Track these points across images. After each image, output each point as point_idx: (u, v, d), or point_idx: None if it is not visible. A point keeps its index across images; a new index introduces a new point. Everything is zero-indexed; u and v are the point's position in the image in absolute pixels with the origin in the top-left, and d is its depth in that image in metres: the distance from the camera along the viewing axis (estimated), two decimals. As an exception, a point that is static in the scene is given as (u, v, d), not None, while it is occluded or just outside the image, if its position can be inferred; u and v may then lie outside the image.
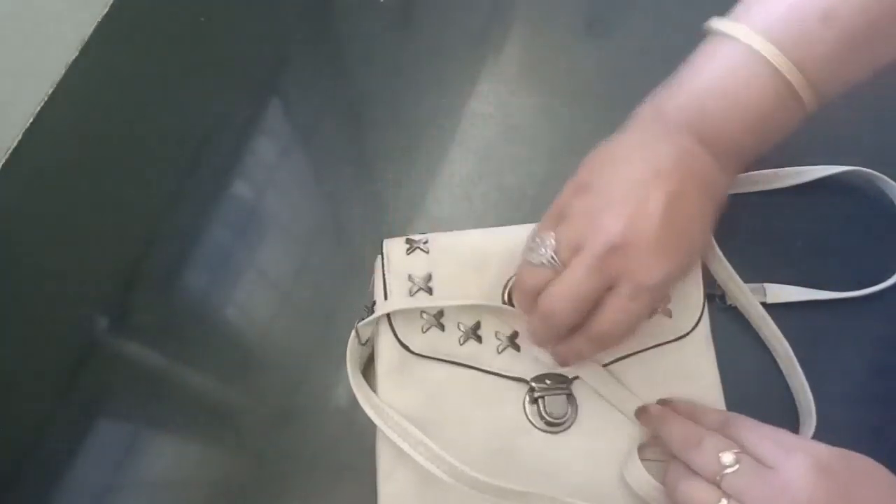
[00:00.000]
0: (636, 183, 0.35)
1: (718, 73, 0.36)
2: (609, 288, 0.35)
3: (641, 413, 0.40)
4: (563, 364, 0.39)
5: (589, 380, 0.40)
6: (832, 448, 0.33)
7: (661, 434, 0.38)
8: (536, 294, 0.37)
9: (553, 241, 0.36)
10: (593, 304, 0.36)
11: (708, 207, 0.37)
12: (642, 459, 0.38)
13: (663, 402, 0.40)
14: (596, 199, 0.36)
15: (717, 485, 0.33)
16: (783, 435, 0.34)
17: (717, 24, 0.37)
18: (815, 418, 0.40)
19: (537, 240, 0.37)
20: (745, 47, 0.35)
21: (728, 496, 0.33)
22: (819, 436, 0.40)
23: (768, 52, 0.34)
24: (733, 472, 0.33)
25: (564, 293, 0.36)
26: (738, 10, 0.37)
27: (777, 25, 0.35)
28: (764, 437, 0.34)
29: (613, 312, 0.35)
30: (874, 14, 0.35)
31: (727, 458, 0.33)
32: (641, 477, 0.37)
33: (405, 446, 0.38)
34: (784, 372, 0.43)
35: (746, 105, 0.36)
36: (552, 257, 0.36)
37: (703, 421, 0.38)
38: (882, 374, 0.43)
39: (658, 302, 0.38)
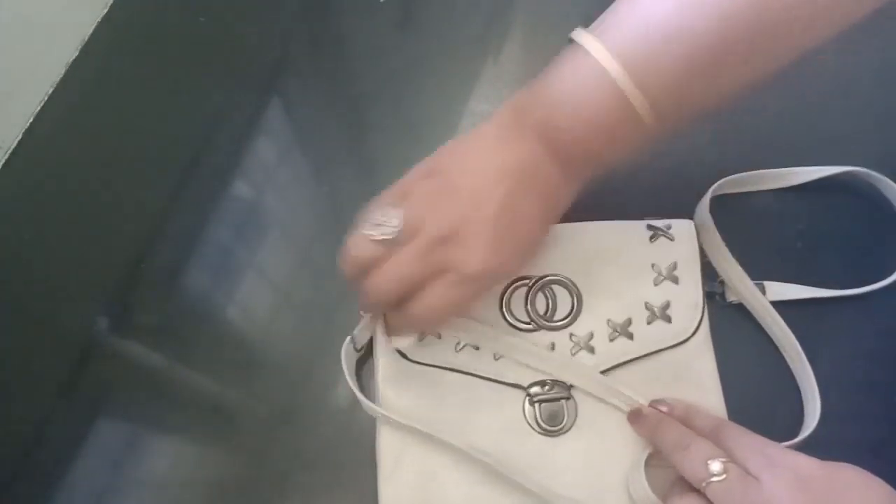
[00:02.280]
0: (480, 178, 0.36)
1: (569, 85, 0.36)
2: (435, 273, 0.36)
3: (634, 416, 0.40)
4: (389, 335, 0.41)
5: (586, 388, 0.40)
6: (819, 462, 0.33)
7: (653, 438, 0.38)
8: (366, 266, 0.37)
9: (398, 221, 0.36)
10: (418, 287, 0.36)
11: (544, 212, 0.38)
12: (651, 466, 0.38)
13: (656, 403, 0.40)
14: (440, 186, 0.37)
15: (703, 491, 0.34)
16: (771, 447, 0.34)
17: (576, 35, 0.36)
18: (820, 410, 0.40)
19: (382, 215, 0.37)
20: (594, 62, 0.35)
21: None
22: (819, 432, 0.40)
23: (613, 69, 0.34)
24: (719, 480, 0.33)
25: (392, 274, 0.36)
26: (599, 21, 0.36)
27: (626, 43, 0.34)
28: (752, 447, 0.34)
29: (432, 298, 0.36)
30: (718, 38, 0.33)
31: (715, 466, 0.34)
32: (643, 490, 0.37)
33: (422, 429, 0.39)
34: (790, 364, 0.43)
35: (591, 119, 0.35)
36: (394, 236, 0.36)
37: (695, 424, 0.38)
38: (881, 371, 0.43)
39: (479, 294, 0.38)
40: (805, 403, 0.42)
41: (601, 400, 0.41)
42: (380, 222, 0.37)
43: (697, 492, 0.34)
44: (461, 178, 0.37)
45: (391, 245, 0.36)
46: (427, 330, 0.41)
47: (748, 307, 0.44)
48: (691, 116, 0.36)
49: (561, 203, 0.39)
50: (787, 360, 0.43)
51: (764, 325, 0.44)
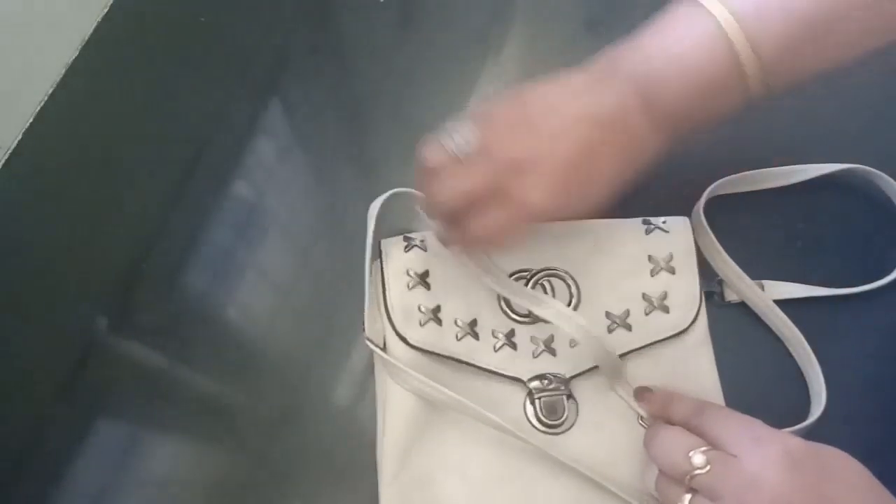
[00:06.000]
0: (566, 117, 0.36)
1: (674, 35, 0.36)
2: (496, 196, 0.36)
3: (639, 395, 0.40)
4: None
5: (604, 368, 0.40)
6: (804, 441, 0.32)
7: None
8: (434, 173, 0.38)
9: (472, 139, 0.37)
10: (477, 205, 0.37)
11: (624, 163, 0.37)
12: None
13: (642, 391, 0.40)
14: (522, 118, 0.37)
15: (689, 485, 0.33)
16: (755, 426, 0.33)
17: None
18: (825, 396, 0.40)
19: (459, 128, 0.37)
20: (705, 13, 0.35)
21: (696, 491, 0.32)
22: (816, 429, 0.40)
23: (726, 21, 0.34)
24: (705, 473, 0.32)
25: (456, 185, 0.37)
26: None
27: (741, 0, 0.34)
28: (734, 426, 0.33)
29: (487, 219, 0.36)
30: (832, 6, 0.34)
31: (697, 459, 0.33)
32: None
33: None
34: (791, 352, 0.43)
35: (692, 71, 0.35)
36: (464, 151, 0.37)
37: (676, 409, 0.37)
38: (880, 369, 0.43)
39: (529, 225, 0.38)
40: (810, 388, 0.42)
41: (603, 393, 0.41)
42: (453, 135, 0.37)
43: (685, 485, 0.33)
44: (543, 117, 0.37)
45: (460, 160, 0.37)
46: (473, 252, 0.41)
47: (749, 304, 0.44)
48: (791, 84, 0.36)
49: (644, 157, 0.38)
50: (790, 348, 0.43)
51: (765, 320, 0.44)
